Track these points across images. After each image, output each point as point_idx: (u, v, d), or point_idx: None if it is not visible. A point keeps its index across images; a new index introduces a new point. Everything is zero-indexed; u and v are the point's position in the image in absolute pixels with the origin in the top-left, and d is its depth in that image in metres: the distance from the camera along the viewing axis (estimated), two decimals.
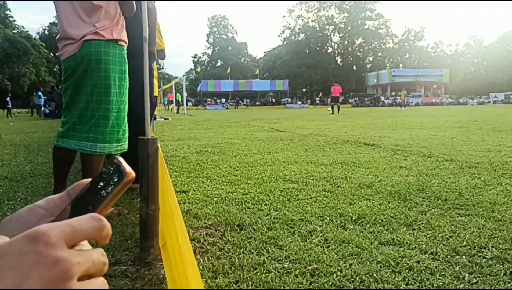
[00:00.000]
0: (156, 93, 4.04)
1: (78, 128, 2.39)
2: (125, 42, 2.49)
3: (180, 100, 32.22)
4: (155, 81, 3.86)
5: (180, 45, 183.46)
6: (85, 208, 0.39)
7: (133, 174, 0.40)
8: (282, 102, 60.95)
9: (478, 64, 73.47)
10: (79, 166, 3.87)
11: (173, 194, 1.48)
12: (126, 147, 2.54)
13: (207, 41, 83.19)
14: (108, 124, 2.38)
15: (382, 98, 60.78)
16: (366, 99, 62.01)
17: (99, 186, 0.40)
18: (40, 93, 27.72)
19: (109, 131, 2.39)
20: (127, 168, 0.40)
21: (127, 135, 2.54)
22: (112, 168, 0.41)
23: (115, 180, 0.40)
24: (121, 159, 0.41)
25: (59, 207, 0.41)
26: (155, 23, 3.35)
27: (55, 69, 60.40)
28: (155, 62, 3.57)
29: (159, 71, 74.97)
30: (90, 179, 0.42)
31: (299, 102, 61.27)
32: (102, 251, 0.36)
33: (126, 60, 2.49)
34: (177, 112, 29.93)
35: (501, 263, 1.70)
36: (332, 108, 22.71)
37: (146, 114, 1.88)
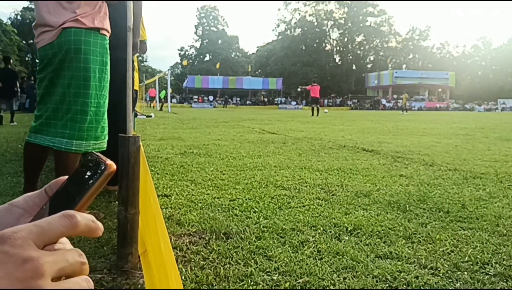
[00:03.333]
0: (136, 87, 4.05)
1: (52, 123, 2.38)
2: (108, 32, 2.49)
3: (163, 97, 32.20)
4: (136, 74, 3.87)
5: (166, 36, 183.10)
6: (63, 206, 0.40)
7: (114, 166, 0.41)
8: (275, 102, 61.11)
9: (486, 68, 74.40)
10: (51, 165, 3.85)
11: (155, 197, 1.48)
12: (105, 146, 2.54)
13: (195, 33, 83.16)
14: (85, 120, 2.37)
15: (383, 101, 61.25)
16: (365, 101, 62.42)
17: (77, 182, 0.41)
18: None
19: (87, 127, 2.38)
20: (107, 160, 0.41)
21: (106, 132, 2.53)
22: (90, 163, 0.41)
23: (95, 173, 0.40)
24: (98, 153, 0.42)
25: (37, 206, 0.42)
26: (140, 12, 3.37)
27: (27, 58, 59.89)
28: (136, 54, 3.58)
29: (142, 64, 74.69)
30: (67, 177, 0.42)
31: (293, 103, 61.51)
32: (79, 251, 0.37)
33: (108, 51, 2.48)
34: (161, 109, 29.86)
35: (505, 280, 1.73)
36: (312, 109, 23.08)
37: (128, 110, 1.89)
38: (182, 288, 0.91)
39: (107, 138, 2.55)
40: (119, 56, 3.04)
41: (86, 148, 2.40)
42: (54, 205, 0.41)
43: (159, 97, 32.39)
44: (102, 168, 0.41)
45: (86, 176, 0.41)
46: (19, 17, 63.00)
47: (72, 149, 2.36)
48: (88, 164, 0.42)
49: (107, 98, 2.54)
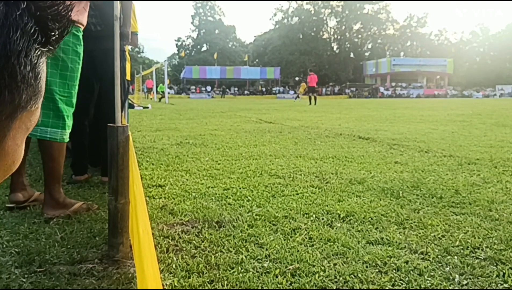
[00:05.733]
0: (128, 77, 4.03)
1: None
2: (83, 25, 2.46)
3: (162, 91, 32.37)
4: (128, 64, 3.85)
5: (163, 27, 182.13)
6: None
7: None
8: (273, 92, 60.97)
9: (484, 54, 74.21)
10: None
11: (140, 186, 1.48)
12: (68, 137, 2.52)
13: (192, 23, 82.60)
14: (58, 108, 2.36)
15: (381, 89, 61.14)
16: (364, 89, 62.30)
17: None
18: None
19: (60, 115, 2.37)
20: None
21: (71, 123, 2.52)
22: None
23: None
24: None
25: None
26: (131, 2, 3.35)
27: None
28: (127, 45, 3.56)
29: (139, 55, 74.33)
30: None
31: (291, 92, 61.31)
32: None
33: (81, 42, 2.45)
34: (159, 100, 29.81)
35: (495, 264, 1.74)
36: (310, 98, 23.19)
37: (116, 99, 1.88)
38: (158, 274, 0.91)
39: (70, 128, 2.54)
40: (111, 47, 3.02)
41: (62, 136, 2.39)
42: None
43: (156, 90, 32.54)
44: None
45: None
46: None
47: (47, 136, 2.35)
48: None
49: (77, 88, 2.52)
